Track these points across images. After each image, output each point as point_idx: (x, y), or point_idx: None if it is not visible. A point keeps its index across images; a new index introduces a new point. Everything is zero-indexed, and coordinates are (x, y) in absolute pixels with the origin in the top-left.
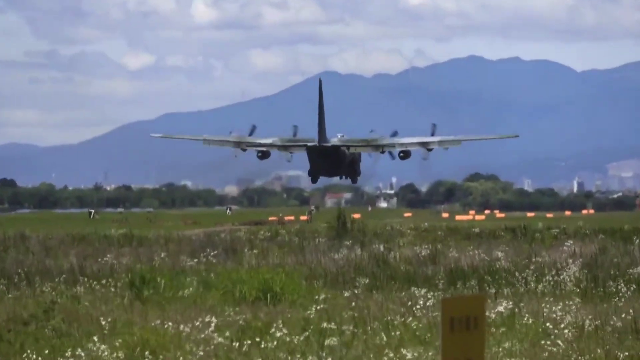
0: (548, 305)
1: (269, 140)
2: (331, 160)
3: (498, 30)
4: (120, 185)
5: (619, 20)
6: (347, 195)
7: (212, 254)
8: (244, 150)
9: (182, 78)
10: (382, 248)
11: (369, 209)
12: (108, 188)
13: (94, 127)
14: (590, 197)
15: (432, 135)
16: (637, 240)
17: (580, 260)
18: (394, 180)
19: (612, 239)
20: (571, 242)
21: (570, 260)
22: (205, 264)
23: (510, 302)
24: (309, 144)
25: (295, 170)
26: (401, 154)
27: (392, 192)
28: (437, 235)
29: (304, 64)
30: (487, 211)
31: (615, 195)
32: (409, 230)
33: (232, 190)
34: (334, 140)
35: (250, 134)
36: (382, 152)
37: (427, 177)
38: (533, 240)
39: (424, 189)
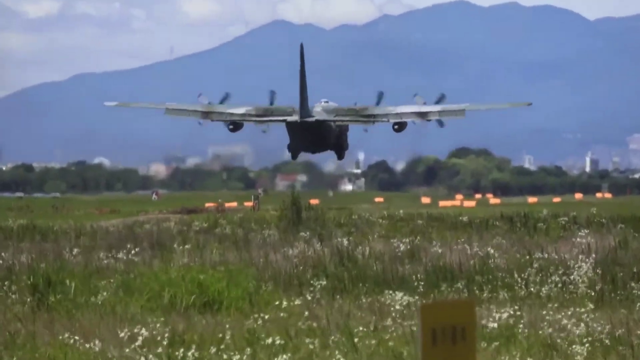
0: (554, 313)
1: (242, 110)
2: (315, 136)
3: None
4: (18, 163)
5: None
6: (303, 177)
7: (134, 250)
8: (212, 121)
9: (95, 30)
10: (346, 242)
11: (330, 193)
12: (3, 168)
13: None
14: (606, 177)
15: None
16: None
17: (594, 256)
18: (361, 156)
19: (634, 229)
20: (583, 233)
21: (582, 257)
22: (126, 262)
23: (508, 309)
24: (288, 118)
25: (239, 144)
26: (395, 126)
27: (358, 171)
28: (416, 225)
29: (247, 12)
30: (478, 195)
31: (637, 175)
32: (380, 220)
33: (159, 169)
34: (317, 107)
35: (222, 102)
36: (373, 123)
37: (403, 153)
38: (535, 231)
39: (398, 167)
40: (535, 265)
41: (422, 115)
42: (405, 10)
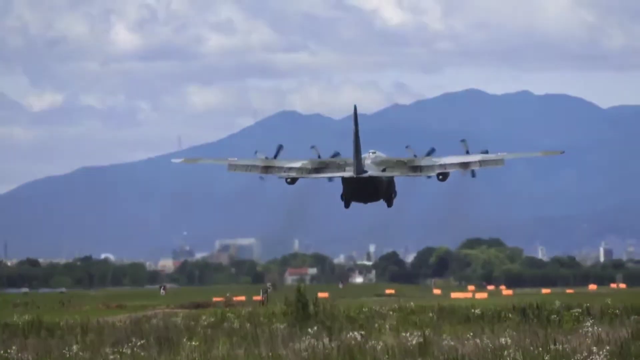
0: None
1: (298, 164)
2: (368, 190)
3: (502, 57)
4: (24, 259)
5: None
6: (313, 270)
7: (140, 344)
8: (272, 174)
9: (99, 122)
10: (357, 336)
11: (340, 285)
12: (9, 263)
13: None
14: (620, 268)
15: (467, 153)
16: None
17: (608, 348)
18: (371, 248)
19: None
20: (596, 325)
21: (595, 348)
22: (133, 357)
23: None
24: (344, 174)
25: (246, 238)
26: (440, 176)
27: (369, 263)
28: (428, 317)
29: (255, 102)
30: (490, 287)
31: None
32: (391, 312)
33: (166, 264)
34: (367, 160)
35: (276, 156)
36: (422, 174)
37: (414, 243)
38: (549, 323)
39: (409, 258)
40: (547, 357)
41: (465, 165)
42: (416, 100)
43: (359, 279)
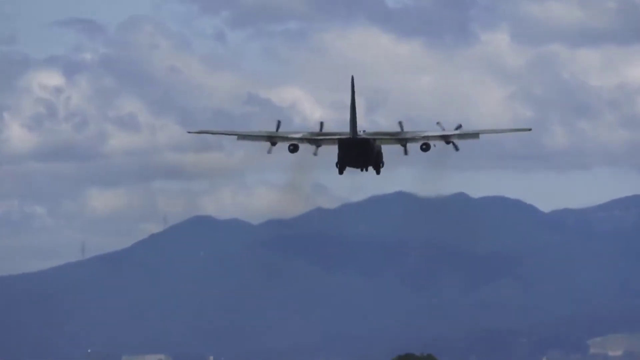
0: None
1: (299, 135)
2: (362, 153)
3: (433, 156)
4: None
5: (597, 141)
6: None
7: None
8: (274, 144)
9: None
10: None
11: None
12: None
13: None
14: None
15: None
16: None
17: None
18: None
19: None
20: None
21: None
22: None
23: None
24: (342, 136)
25: (156, 354)
26: (423, 146)
27: None
28: None
29: (164, 206)
30: None
31: None
32: None
33: None
34: (360, 134)
35: (277, 129)
36: (405, 145)
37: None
38: None
39: None
40: None
41: (444, 137)
42: (341, 203)
43: None
